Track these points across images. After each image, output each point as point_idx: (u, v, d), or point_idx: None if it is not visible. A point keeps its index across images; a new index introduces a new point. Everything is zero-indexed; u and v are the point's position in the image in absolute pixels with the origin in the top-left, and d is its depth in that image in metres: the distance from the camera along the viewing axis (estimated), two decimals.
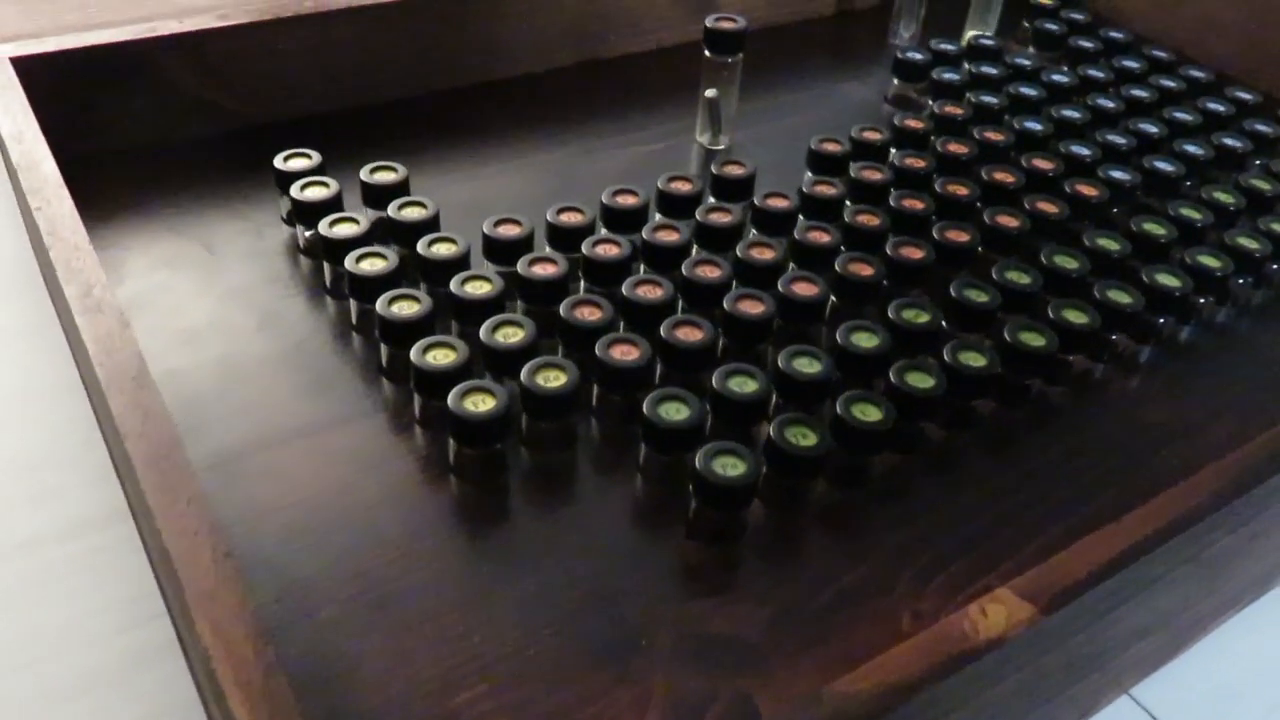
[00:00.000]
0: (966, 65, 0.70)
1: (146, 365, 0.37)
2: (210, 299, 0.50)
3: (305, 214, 0.52)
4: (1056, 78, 0.69)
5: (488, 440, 0.42)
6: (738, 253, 0.51)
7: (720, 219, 0.53)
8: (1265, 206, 0.61)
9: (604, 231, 0.52)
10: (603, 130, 0.66)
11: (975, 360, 0.46)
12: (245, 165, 0.58)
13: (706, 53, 0.62)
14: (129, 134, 0.58)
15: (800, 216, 0.56)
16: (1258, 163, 0.66)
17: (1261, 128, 0.67)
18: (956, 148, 0.61)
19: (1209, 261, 0.54)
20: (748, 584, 0.40)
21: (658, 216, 0.55)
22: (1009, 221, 0.55)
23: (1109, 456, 0.47)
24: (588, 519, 0.42)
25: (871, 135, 0.61)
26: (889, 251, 0.52)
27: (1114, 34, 0.75)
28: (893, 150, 0.63)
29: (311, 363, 0.47)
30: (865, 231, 0.54)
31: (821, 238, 0.53)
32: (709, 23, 0.61)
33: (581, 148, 0.64)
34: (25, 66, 0.54)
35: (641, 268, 0.52)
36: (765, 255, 0.51)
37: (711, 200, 0.57)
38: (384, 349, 0.47)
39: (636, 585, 0.39)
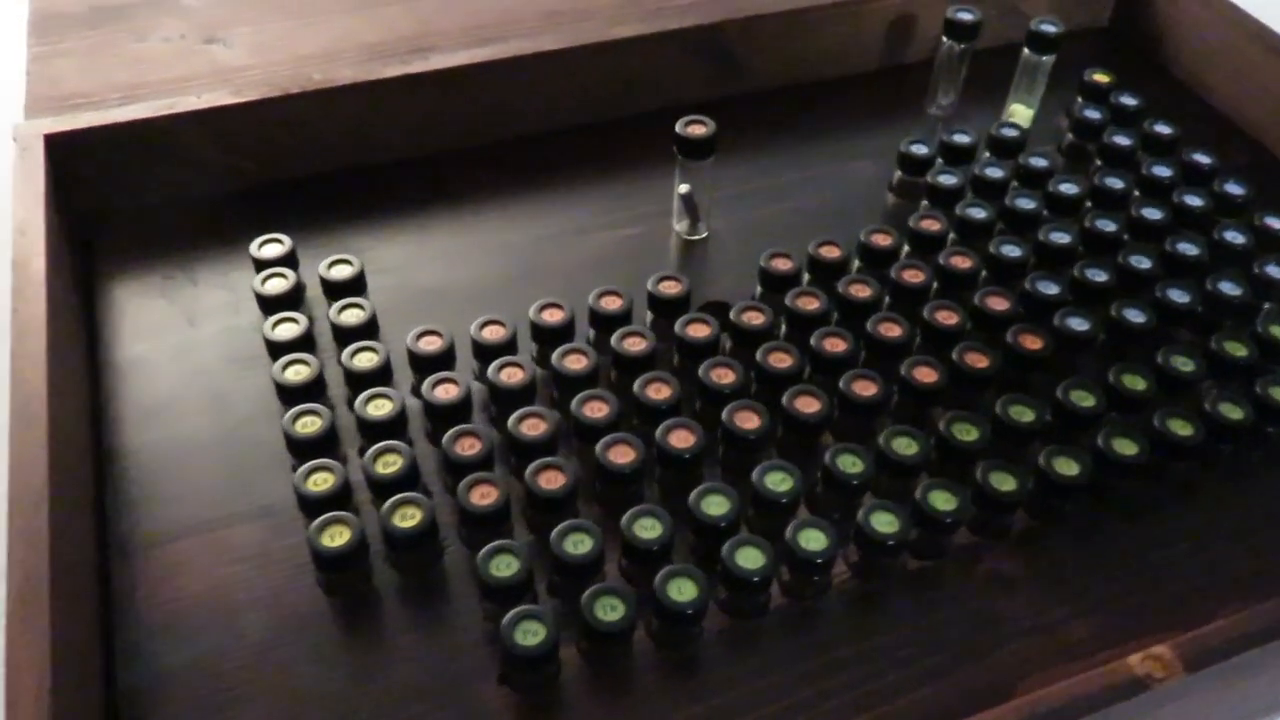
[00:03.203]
0: (973, 165, 0.68)
1: (45, 493, 0.44)
2: (177, 375, 0.58)
3: (263, 305, 0.58)
4: (1064, 188, 0.65)
5: (338, 569, 0.47)
6: (699, 375, 0.54)
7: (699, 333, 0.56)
8: None
9: (526, 353, 0.56)
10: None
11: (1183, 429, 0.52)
12: (250, 225, 0.64)
13: (679, 156, 0.63)
14: (149, 194, 0.66)
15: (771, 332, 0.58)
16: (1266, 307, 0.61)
17: None
18: (911, 275, 0.60)
19: None
20: None
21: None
22: (977, 360, 0.55)
23: None
24: (432, 647, 0.47)
25: (828, 252, 0.61)
26: (842, 386, 0.53)
27: (1160, 128, 0.70)
28: (857, 262, 0.63)
29: (238, 452, 0.54)
30: (828, 359, 0.55)
31: (782, 360, 0.55)
32: (679, 128, 0.62)
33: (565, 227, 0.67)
34: (56, 141, 0.62)
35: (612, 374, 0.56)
36: (726, 379, 0.54)
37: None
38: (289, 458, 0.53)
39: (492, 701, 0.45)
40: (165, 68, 0.70)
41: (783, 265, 0.60)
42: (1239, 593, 0.50)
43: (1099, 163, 0.70)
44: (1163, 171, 0.67)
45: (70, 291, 0.58)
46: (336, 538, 0.47)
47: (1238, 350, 0.56)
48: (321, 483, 0.49)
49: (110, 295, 0.62)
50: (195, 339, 0.59)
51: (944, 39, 0.73)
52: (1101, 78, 0.74)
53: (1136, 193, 0.67)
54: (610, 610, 0.45)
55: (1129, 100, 0.72)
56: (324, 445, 0.51)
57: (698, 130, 0.62)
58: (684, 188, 0.64)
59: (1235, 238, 0.63)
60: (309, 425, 0.51)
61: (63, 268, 0.58)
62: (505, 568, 0.46)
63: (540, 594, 0.48)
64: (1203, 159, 0.68)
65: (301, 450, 0.51)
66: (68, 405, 0.52)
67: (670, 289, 0.59)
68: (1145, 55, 0.83)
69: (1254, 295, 0.60)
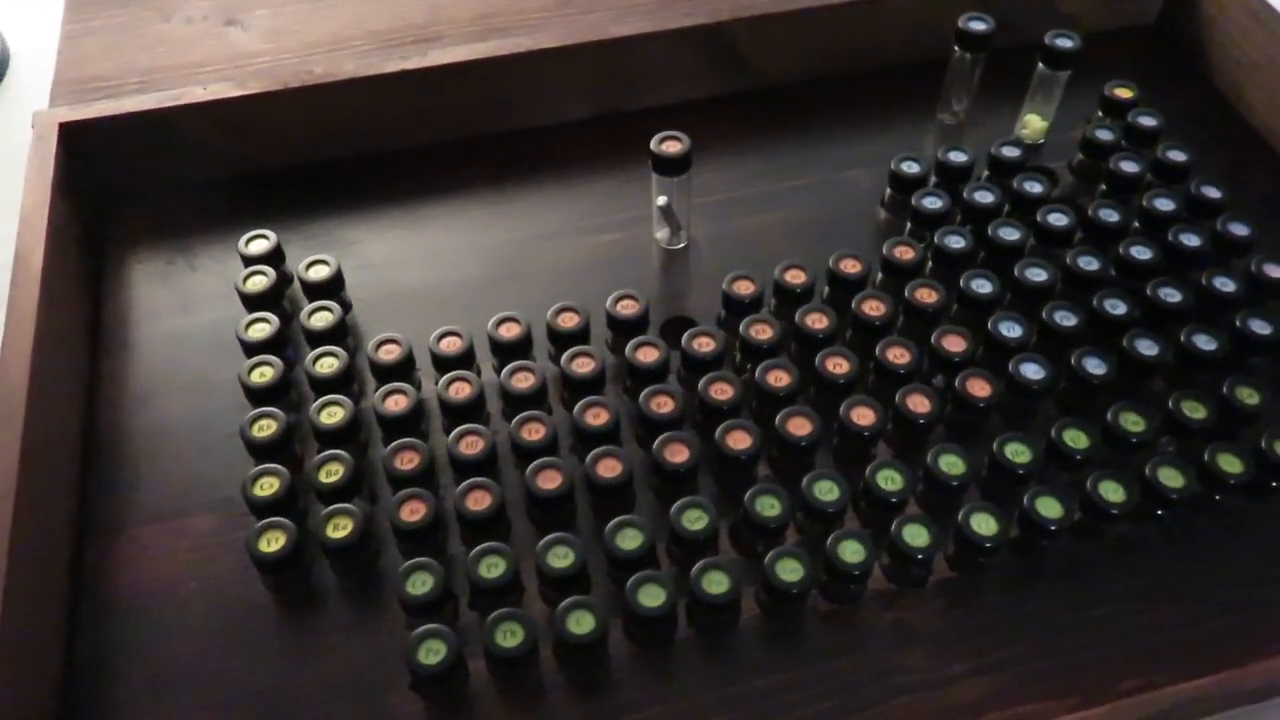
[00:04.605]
0: (965, 186, 0.66)
1: (12, 487, 0.49)
2: (167, 358, 0.62)
3: (243, 302, 0.61)
4: (1053, 219, 0.64)
5: (272, 573, 0.51)
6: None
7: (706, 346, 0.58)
8: None
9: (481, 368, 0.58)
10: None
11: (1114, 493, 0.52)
12: (251, 213, 0.68)
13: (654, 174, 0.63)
14: (158, 181, 0.69)
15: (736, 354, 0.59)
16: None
17: None
18: (871, 308, 0.60)
19: None
20: None
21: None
22: (919, 407, 0.55)
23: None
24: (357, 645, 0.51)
25: (793, 277, 0.61)
26: (778, 425, 0.54)
27: (1173, 154, 0.67)
28: (827, 289, 0.63)
29: (208, 443, 0.58)
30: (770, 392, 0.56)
31: (723, 392, 0.56)
32: (654, 145, 0.62)
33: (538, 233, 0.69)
34: (71, 129, 0.65)
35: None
36: (666, 408, 0.55)
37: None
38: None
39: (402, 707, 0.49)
40: (183, 52, 0.73)
41: (744, 289, 0.61)
42: (1140, 667, 0.50)
43: (1103, 187, 0.68)
44: (1165, 205, 0.64)
45: (72, 279, 0.63)
46: (273, 543, 0.51)
47: (1196, 411, 0.55)
48: (266, 488, 0.53)
49: (117, 278, 0.66)
50: (187, 326, 0.64)
51: (955, 49, 0.70)
52: (1123, 92, 0.71)
53: (1137, 223, 0.65)
54: (510, 636, 0.48)
55: (1147, 120, 0.69)
56: (277, 449, 0.55)
57: (672, 147, 0.62)
58: (662, 199, 0.65)
59: (1224, 285, 0.60)
60: (264, 429, 0.55)
61: (68, 255, 0.62)
62: (421, 585, 0.49)
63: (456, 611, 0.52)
64: (1211, 192, 0.65)
65: (256, 452, 0.55)
66: (56, 393, 0.56)
67: (627, 309, 0.60)
68: (1187, 60, 0.79)
69: (1233, 349, 0.58)
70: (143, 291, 0.65)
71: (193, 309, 0.64)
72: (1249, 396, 0.55)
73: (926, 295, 0.60)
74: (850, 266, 0.62)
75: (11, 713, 0.45)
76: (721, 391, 0.56)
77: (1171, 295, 0.60)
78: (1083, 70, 0.70)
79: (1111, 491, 0.52)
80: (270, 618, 0.52)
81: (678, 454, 0.53)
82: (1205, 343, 0.57)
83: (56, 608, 0.51)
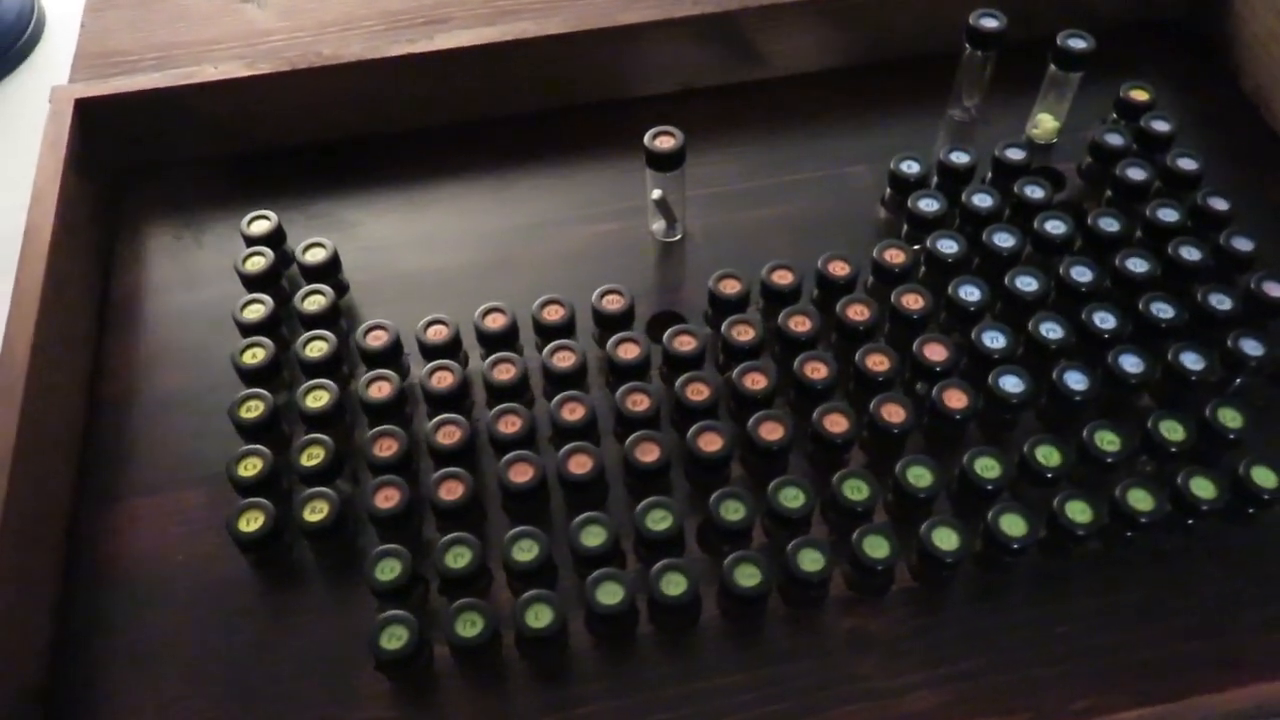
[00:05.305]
0: (962, 189, 0.65)
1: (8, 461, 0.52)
2: (170, 333, 0.64)
3: (243, 282, 0.63)
4: (1050, 226, 0.63)
5: (251, 551, 0.53)
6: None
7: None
8: None
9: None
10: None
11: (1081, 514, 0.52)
12: (258, 190, 0.69)
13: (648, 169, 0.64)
14: (170, 157, 0.71)
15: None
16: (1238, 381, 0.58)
17: None
18: (855, 313, 0.59)
19: None
20: None
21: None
22: (893, 416, 0.55)
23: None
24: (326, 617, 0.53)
25: (780, 278, 0.61)
26: (750, 429, 0.55)
27: (1183, 162, 0.65)
28: (816, 290, 0.63)
29: (201, 418, 0.60)
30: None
31: (699, 393, 0.56)
32: (647, 140, 0.62)
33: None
34: (87, 105, 0.67)
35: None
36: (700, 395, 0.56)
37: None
38: None
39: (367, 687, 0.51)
40: (201, 28, 0.75)
41: (730, 288, 0.61)
42: (1096, 688, 0.50)
43: (1109, 193, 0.67)
44: (1168, 215, 0.63)
45: (82, 254, 0.65)
46: (251, 523, 0.53)
47: (1174, 433, 0.54)
48: (250, 468, 0.55)
49: (128, 252, 0.68)
50: (191, 302, 0.66)
51: (966, 45, 0.69)
52: (1139, 94, 0.69)
53: (1140, 233, 0.64)
54: (470, 626, 0.49)
55: (1160, 125, 0.67)
56: (265, 430, 0.57)
57: (665, 143, 0.62)
58: (657, 192, 0.65)
59: (1220, 302, 0.59)
60: (252, 410, 0.57)
61: (79, 231, 0.65)
62: (389, 571, 0.51)
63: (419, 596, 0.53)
64: (1218, 204, 0.64)
65: (243, 432, 0.56)
66: (60, 365, 0.59)
67: (612, 304, 0.60)
68: (1214, 58, 0.77)
69: (1224, 369, 0.58)
70: (151, 266, 0.67)
71: (197, 285, 0.66)
72: (1231, 419, 0.54)
73: (912, 301, 0.60)
74: (838, 268, 0.62)
75: (1, 679, 0.48)
76: (697, 392, 0.56)
77: (1164, 311, 0.59)
78: (1102, 67, 0.68)
79: (1079, 512, 0.52)
80: (250, 594, 0.54)
81: (648, 453, 0.54)
82: (1193, 362, 0.57)
83: (52, 575, 0.54)
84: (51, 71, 0.87)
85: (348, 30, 0.74)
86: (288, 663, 0.52)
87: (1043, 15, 0.74)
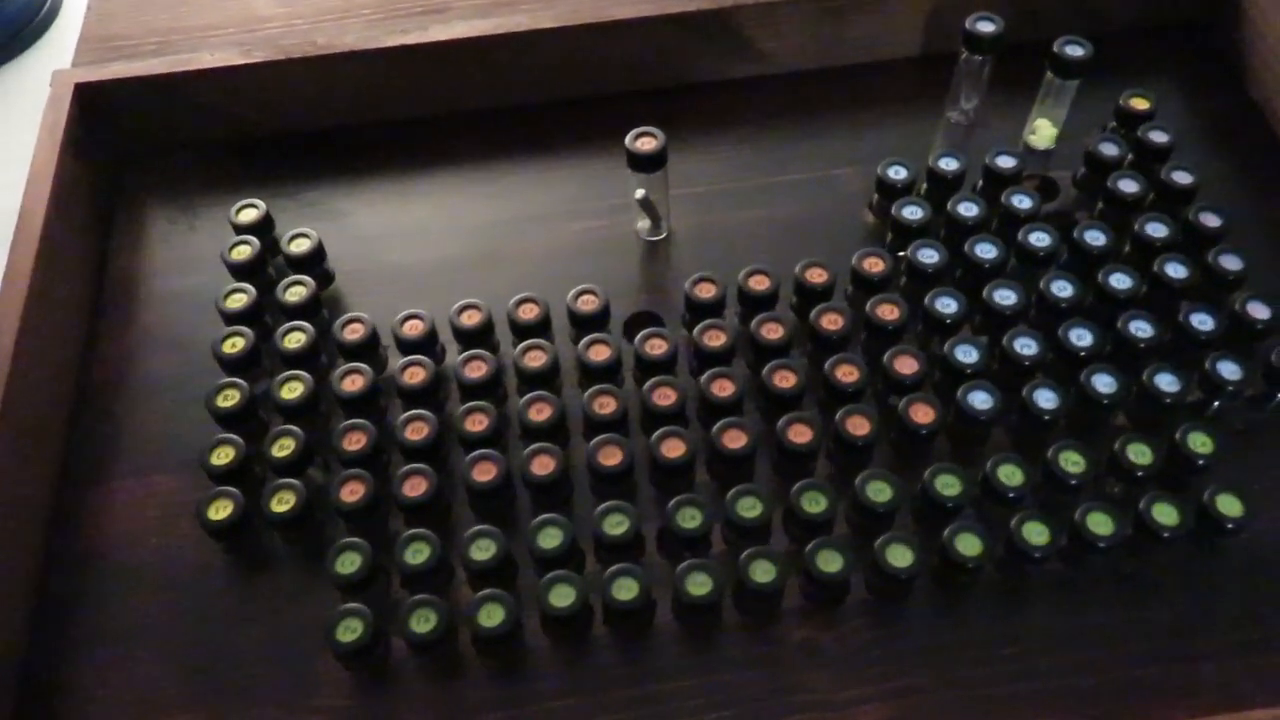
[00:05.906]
0: (950, 197, 0.64)
1: None
2: (162, 314, 0.65)
3: (229, 270, 0.64)
4: (1034, 239, 0.62)
5: (219, 538, 0.55)
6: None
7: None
8: None
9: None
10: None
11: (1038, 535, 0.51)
12: (252, 177, 0.70)
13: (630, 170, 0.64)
14: (167, 142, 0.72)
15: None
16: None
17: None
18: (829, 321, 0.59)
19: None
20: None
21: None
22: (858, 429, 0.55)
23: None
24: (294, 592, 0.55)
25: (757, 284, 0.61)
26: (714, 436, 0.55)
27: (1177, 175, 0.64)
28: (794, 297, 0.62)
29: (182, 405, 0.61)
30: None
31: (666, 397, 0.56)
32: (629, 142, 0.62)
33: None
34: (86, 89, 0.69)
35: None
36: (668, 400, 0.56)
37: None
38: None
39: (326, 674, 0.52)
40: (202, 13, 0.76)
41: (705, 292, 0.61)
42: (1044, 710, 0.50)
43: (1100, 205, 0.65)
44: (1157, 231, 0.62)
45: (77, 238, 0.66)
46: (220, 511, 0.54)
47: (1142, 457, 0.54)
48: (222, 457, 0.56)
49: (124, 237, 0.69)
50: (181, 287, 0.67)
51: (963, 50, 0.68)
52: (1139, 103, 0.68)
53: (1127, 248, 0.63)
54: (424, 622, 0.50)
55: (1158, 136, 0.66)
56: (240, 419, 0.58)
57: (647, 145, 0.62)
58: (640, 192, 0.65)
59: (1201, 323, 0.58)
60: (228, 399, 0.58)
61: (74, 215, 0.66)
62: (349, 564, 0.52)
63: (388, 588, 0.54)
64: (1210, 220, 0.62)
65: (219, 420, 0.58)
66: (49, 348, 0.60)
67: (587, 305, 0.61)
68: (1226, 63, 0.75)
69: (1202, 392, 0.57)
70: (145, 251, 0.69)
71: (188, 270, 0.68)
72: (1201, 445, 0.54)
73: (888, 312, 0.59)
74: (815, 276, 0.61)
75: None
76: (664, 397, 0.57)
77: (1143, 330, 0.58)
78: (1108, 71, 0.67)
79: (1036, 534, 0.51)
80: (219, 579, 0.56)
81: (610, 457, 0.55)
82: (1168, 384, 0.56)
83: (33, 554, 0.56)
84: (66, 53, 0.88)
85: (345, 18, 0.74)
86: (251, 648, 0.53)
87: (1049, 15, 0.73)
